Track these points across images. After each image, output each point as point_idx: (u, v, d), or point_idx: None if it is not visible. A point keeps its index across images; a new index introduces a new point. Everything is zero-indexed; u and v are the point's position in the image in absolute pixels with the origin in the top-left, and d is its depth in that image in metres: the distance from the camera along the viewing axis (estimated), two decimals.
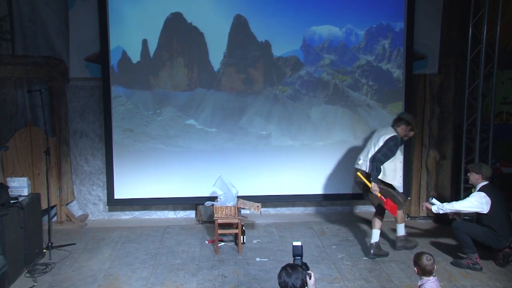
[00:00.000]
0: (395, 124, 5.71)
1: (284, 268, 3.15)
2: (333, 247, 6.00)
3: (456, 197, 6.59)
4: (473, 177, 5.47)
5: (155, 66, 6.79)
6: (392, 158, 5.60)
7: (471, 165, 5.69)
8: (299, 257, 3.37)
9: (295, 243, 3.41)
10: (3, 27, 6.23)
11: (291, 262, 3.33)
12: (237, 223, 5.84)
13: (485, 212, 5.26)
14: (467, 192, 6.18)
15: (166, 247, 6.01)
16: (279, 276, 3.13)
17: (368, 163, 5.58)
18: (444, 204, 5.40)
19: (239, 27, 6.76)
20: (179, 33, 6.75)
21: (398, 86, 7.06)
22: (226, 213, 5.83)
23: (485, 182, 5.39)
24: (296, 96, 6.99)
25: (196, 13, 6.72)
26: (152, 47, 6.75)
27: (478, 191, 5.36)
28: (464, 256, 5.37)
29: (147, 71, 6.79)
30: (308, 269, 3.30)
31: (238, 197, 6.03)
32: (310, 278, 3.18)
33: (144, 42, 6.72)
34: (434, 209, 5.43)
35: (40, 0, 6.64)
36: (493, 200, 5.27)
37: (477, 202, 5.27)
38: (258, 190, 6.87)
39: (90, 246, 6.06)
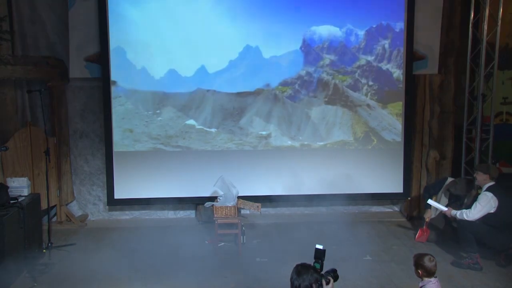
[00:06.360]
0: None
1: (296, 266, 3.15)
2: (333, 247, 5.98)
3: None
4: (480, 177, 5.47)
5: (155, 68, 6.79)
6: None
7: (478, 166, 5.69)
8: (319, 260, 3.36)
9: (317, 246, 3.40)
10: (3, 27, 6.22)
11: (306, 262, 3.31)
12: (237, 223, 5.84)
13: (492, 212, 5.27)
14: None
15: (166, 247, 6.00)
16: (292, 273, 3.13)
17: None
18: (463, 213, 5.42)
19: (241, 35, 6.76)
20: (179, 37, 6.75)
21: (398, 86, 7.06)
22: (226, 213, 5.82)
23: (492, 183, 5.40)
24: (296, 96, 6.99)
25: (195, 14, 6.72)
26: (152, 47, 6.75)
27: (485, 191, 5.37)
28: (465, 255, 5.37)
29: (147, 73, 6.79)
30: (336, 278, 3.27)
31: (238, 197, 6.03)
32: (327, 283, 3.17)
33: (144, 43, 6.72)
34: (458, 215, 5.44)
35: (40, 0, 6.64)
36: (500, 200, 5.27)
37: (487, 204, 5.28)
38: (258, 190, 6.86)
39: (90, 246, 6.06)
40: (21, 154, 6.32)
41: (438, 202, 5.99)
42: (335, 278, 3.27)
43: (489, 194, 5.31)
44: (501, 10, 6.53)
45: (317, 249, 3.38)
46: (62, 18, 6.68)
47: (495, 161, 6.86)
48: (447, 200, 6.06)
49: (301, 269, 3.11)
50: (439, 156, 7.13)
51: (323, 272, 3.24)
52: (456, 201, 5.96)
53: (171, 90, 6.84)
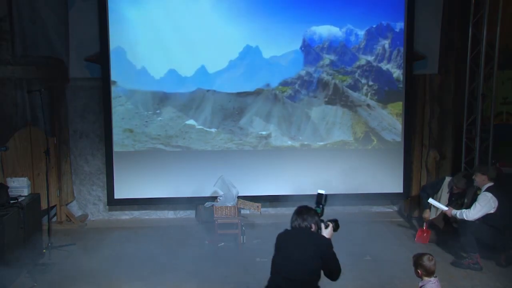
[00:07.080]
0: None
1: (297, 207, 3.27)
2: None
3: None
4: (479, 178, 5.46)
5: (155, 68, 6.79)
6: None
7: (476, 167, 5.68)
8: (321, 205, 3.40)
9: (319, 191, 3.45)
10: (3, 27, 6.23)
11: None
12: (237, 223, 5.84)
13: (492, 212, 5.26)
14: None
15: (166, 247, 6.00)
16: (292, 214, 3.25)
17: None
18: (463, 213, 5.41)
19: (241, 35, 6.76)
20: (179, 37, 6.74)
21: (398, 86, 7.06)
22: (226, 213, 5.83)
23: (491, 183, 5.40)
24: (296, 96, 6.99)
25: (195, 14, 6.72)
26: (152, 47, 6.75)
27: (484, 191, 5.37)
28: (465, 255, 5.37)
29: (147, 73, 6.78)
30: (337, 227, 3.34)
31: (238, 197, 6.03)
32: (326, 228, 3.20)
33: (144, 43, 6.72)
34: (458, 215, 5.43)
35: (40, 0, 6.64)
36: (499, 200, 5.27)
37: (486, 204, 5.28)
38: (258, 190, 6.86)
39: (90, 246, 6.06)
40: (21, 154, 6.31)
41: (439, 201, 5.99)
42: (336, 227, 3.30)
43: (489, 194, 5.31)
44: (501, 10, 6.53)
45: (318, 194, 3.41)
46: (62, 18, 6.67)
47: (495, 161, 6.86)
48: (447, 199, 6.06)
49: (301, 210, 3.20)
50: (439, 156, 7.12)
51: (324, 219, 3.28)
52: (457, 200, 5.97)
53: (171, 90, 6.84)
